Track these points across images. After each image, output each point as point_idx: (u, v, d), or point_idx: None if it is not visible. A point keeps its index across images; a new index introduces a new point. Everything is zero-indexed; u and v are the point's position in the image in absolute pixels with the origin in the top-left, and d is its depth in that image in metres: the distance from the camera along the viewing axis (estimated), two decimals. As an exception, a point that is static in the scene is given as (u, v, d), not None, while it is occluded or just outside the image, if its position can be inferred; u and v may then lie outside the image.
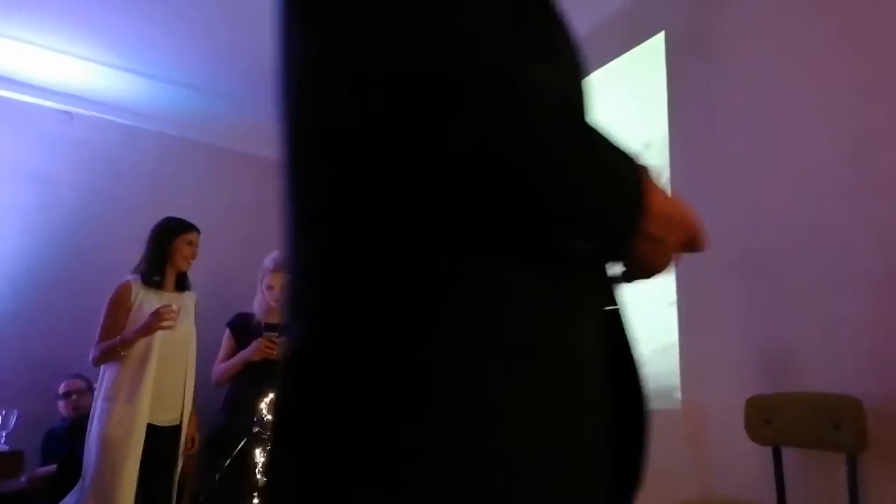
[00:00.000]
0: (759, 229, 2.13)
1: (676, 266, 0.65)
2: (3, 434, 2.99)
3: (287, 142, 0.63)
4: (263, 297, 2.99)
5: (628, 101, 2.73)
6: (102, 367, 2.54)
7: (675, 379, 2.25)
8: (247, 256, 3.54)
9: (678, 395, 2.25)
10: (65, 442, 3.06)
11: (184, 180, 4.14)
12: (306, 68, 0.59)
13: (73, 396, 3.24)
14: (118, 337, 2.49)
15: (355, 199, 0.56)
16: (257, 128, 4.28)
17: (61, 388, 3.23)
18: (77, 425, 3.11)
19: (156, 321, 2.45)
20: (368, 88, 0.52)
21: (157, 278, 2.63)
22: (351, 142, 0.56)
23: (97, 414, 2.49)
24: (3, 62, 3.63)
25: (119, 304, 2.53)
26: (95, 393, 2.56)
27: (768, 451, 1.82)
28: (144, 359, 2.54)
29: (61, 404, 3.21)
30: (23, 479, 2.96)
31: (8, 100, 3.73)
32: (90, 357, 2.54)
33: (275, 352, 2.79)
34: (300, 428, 0.55)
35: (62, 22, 3.25)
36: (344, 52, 0.53)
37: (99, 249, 3.76)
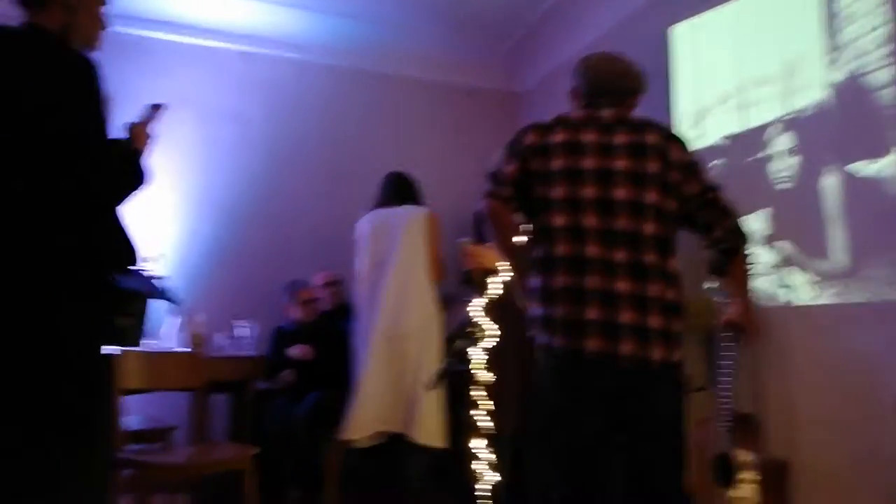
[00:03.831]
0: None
1: None
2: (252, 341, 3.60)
3: None
4: None
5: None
6: None
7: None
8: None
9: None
10: (292, 342, 3.56)
11: (356, 111, 4.41)
12: None
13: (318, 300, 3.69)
14: None
15: None
16: (420, 53, 4.49)
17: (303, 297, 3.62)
18: (312, 328, 3.60)
19: None
20: None
21: None
22: None
23: None
24: (187, 12, 4.01)
25: None
26: None
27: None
28: None
29: (297, 310, 3.61)
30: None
31: (194, 46, 4.11)
32: None
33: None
34: None
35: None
36: None
37: (289, 182, 4.17)
